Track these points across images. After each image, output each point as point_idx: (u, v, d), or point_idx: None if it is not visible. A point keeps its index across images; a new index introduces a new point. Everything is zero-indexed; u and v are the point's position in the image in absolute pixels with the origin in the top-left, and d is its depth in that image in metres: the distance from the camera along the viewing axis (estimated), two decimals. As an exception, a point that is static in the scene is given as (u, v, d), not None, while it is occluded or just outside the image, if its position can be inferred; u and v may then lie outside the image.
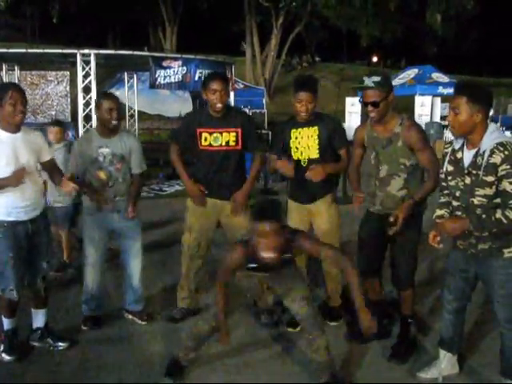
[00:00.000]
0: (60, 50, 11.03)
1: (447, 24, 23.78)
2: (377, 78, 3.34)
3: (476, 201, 2.85)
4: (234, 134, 3.92)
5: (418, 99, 17.16)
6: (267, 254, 2.81)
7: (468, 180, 2.88)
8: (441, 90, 16.98)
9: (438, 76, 17.83)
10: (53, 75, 13.16)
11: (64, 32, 32.78)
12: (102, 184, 3.90)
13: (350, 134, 3.94)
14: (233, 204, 3.99)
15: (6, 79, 12.07)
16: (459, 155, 2.95)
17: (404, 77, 18.28)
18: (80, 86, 9.33)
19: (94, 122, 9.01)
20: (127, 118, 13.63)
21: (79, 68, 9.35)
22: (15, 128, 3.39)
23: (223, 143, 3.93)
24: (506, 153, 2.71)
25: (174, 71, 10.20)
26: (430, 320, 4.13)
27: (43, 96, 13.08)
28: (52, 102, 13.22)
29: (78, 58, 9.34)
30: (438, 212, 3.10)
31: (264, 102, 20.03)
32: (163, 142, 15.28)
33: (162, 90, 14.31)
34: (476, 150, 2.85)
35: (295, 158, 3.91)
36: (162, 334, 3.96)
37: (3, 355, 3.54)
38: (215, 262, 4.31)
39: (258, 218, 2.81)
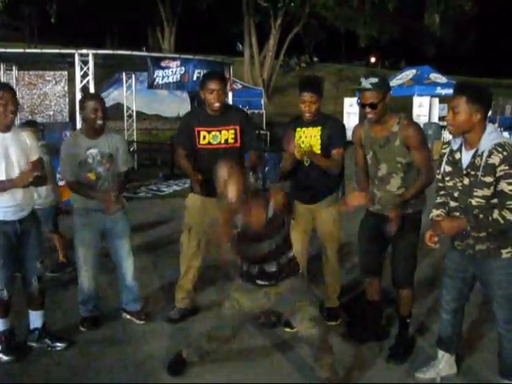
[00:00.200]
0: (58, 50, 10.99)
1: (445, 25, 23.81)
2: (374, 80, 3.35)
3: (474, 201, 2.85)
4: (232, 131, 3.93)
5: (416, 100, 17.18)
6: None
7: (466, 181, 2.88)
8: (439, 90, 17.01)
9: (436, 77, 17.86)
10: (51, 75, 13.14)
11: (62, 32, 32.72)
12: (91, 185, 3.88)
13: (348, 134, 3.94)
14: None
15: (3, 79, 12.04)
16: (457, 156, 2.95)
17: (402, 77, 18.32)
18: (78, 86, 9.30)
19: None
20: (125, 118, 13.60)
21: (77, 68, 9.32)
22: (5, 128, 3.40)
23: (222, 141, 3.94)
24: (505, 153, 2.72)
25: (172, 71, 10.19)
26: (428, 320, 4.14)
27: (41, 96, 13.05)
28: (50, 102, 13.19)
29: (76, 58, 9.31)
30: (434, 212, 3.10)
31: (262, 102, 20.04)
32: (161, 142, 15.29)
33: (160, 90, 14.28)
34: (474, 150, 2.85)
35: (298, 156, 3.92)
36: (160, 334, 3.96)
37: (1, 355, 3.53)
38: (214, 261, 4.32)
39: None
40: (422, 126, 15.65)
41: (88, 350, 3.70)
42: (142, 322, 4.12)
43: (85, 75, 9.29)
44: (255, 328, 4.01)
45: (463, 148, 2.93)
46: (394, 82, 17.71)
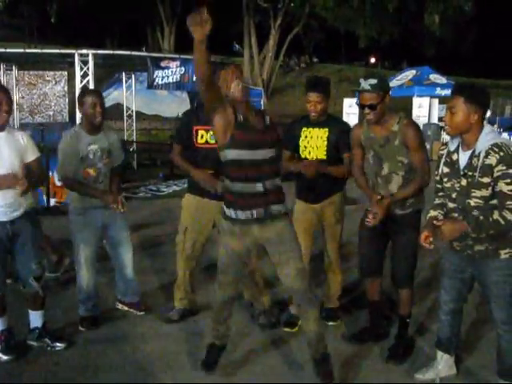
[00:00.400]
0: (58, 50, 11.03)
1: (445, 25, 23.83)
2: (373, 81, 3.35)
3: (472, 202, 2.86)
4: None
5: (416, 100, 17.19)
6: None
7: (464, 182, 2.88)
8: (438, 91, 17.03)
9: (435, 77, 17.88)
10: (51, 75, 13.15)
11: (62, 32, 32.73)
12: (91, 181, 3.91)
13: (348, 135, 3.94)
14: None
15: (3, 79, 12.06)
16: (455, 157, 2.95)
17: (402, 78, 18.33)
18: (78, 86, 9.32)
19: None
20: (125, 118, 13.61)
21: (77, 68, 9.35)
22: None
23: None
24: (502, 154, 2.72)
25: (172, 71, 10.21)
26: (428, 321, 4.14)
27: (41, 96, 13.07)
28: (50, 102, 13.20)
29: (76, 58, 9.33)
30: (432, 213, 3.09)
31: (262, 102, 20.03)
32: (161, 142, 15.30)
33: (159, 91, 14.31)
34: (471, 151, 2.86)
35: (303, 156, 3.94)
36: (159, 334, 3.96)
37: (0, 355, 3.53)
38: (212, 261, 4.32)
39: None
40: (421, 126, 15.68)
41: (87, 350, 3.70)
42: (141, 313, 4.19)
43: (85, 75, 9.31)
44: (255, 328, 4.02)
45: (460, 149, 2.93)
46: (393, 83, 17.74)
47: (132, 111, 13.56)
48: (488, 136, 2.81)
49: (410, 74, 18.43)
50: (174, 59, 10.44)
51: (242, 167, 2.96)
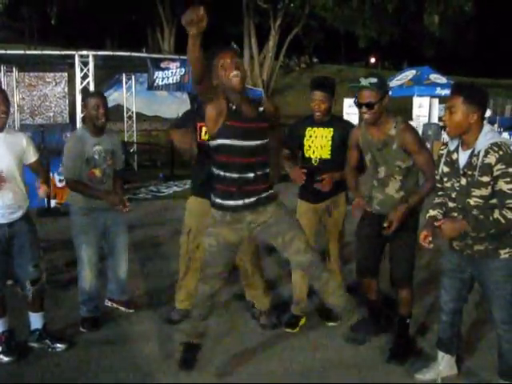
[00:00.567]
0: (58, 52, 11.04)
1: (445, 25, 23.81)
2: (373, 80, 3.36)
3: (472, 202, 2.86)
4: None
5: (416, 100, 17.19)
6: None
7: (464, 181, 2.89)
8: (438, 91, 17.01)
9: (435, 77, 17.86)
10: (51, 76, 13.16)
11: (62, 33, 32.76)
12: (96, 182, 3.94)
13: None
14: None
15: (4, 81, 12.07)
16: (454, 156, 2.96)
17: (402, 78, 18.31)
18: (78, 87, 9.33)
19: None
20: (125, 119, 13.61)
21: (77, 69, 9.35)
22: None
23: None
24: (501, 153, 2.73)
25: (172, 72, 10.21)
26: (428, 321, 4.14)
27: (41, 97, 13.09)
28: (50, 103, 13.22)
29: (76, 59, 9.34)
30: (431, 212, 3.10)
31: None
32: (161, 143, 15.30)
33: (160, 92, 14.28)
34: (471, 150, 2.86)
35: (307, 155, 3.95)
36: (160, 335, 3.96)
37: (1, 356, 3.53)
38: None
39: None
40: (421, 126, 15.72)
41: (88, 351, 3.70)
42: (131, 310, 4.29)
43: (85, 76, 9.32)
44: (255, 329, 4.02)
45: (460, 148, 2.94)
46: (393, 83, 17.74)
47: (132, 112, 13.56)
48: (487, 135, 2.82)
49: (409, 73, 18.42)
50: (174, 60, 10.44)
51: (233, 156, 3.00)
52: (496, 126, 15.08)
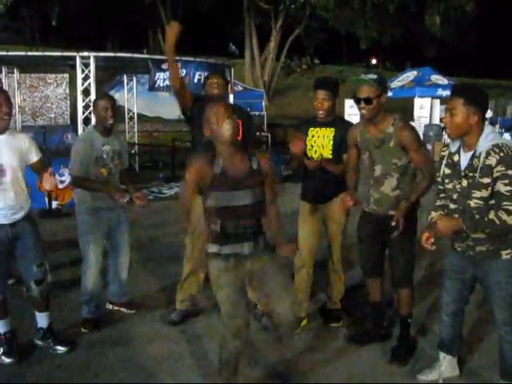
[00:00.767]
0: (59, 53, 11.03)
1: (446, 26, 23.80)
2: (374, 76, 3.39)
3: (473, 203, 2.86)
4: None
5: (417, 101, 17.16)
6: None
7: (465, 183, 2.89)
8: (440, 92, 16.98)
9: (437, 78, 17.84)
10: (52, 78, 13.15)
11: (63, 35, 32.82)
12: (103, 181, 4.00)
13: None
14: None
15: (5, 82, 12.08)
16: (456, 158, 2.96)
17: (403, 79, 18.29)
18: (79, 88, 9.32)
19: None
20: (126, 120, 13.61)
21: (78, 70, 9.34)
22: (0, 130, 3.38)
23: None
24: (502, 154, 2.73)
25: (173, 73, 10.20)
26: (430, 322, 4.14)
27: (42, 99, 13.07)
28: (51, 104, 13.21)
29: (78, 60, 9.33)
30: (433, 214, 3.11)
31: (263, 104, 20.04)
32: (163, 144, 15.30)
33: (161, 93, 14.26)
34: (472, 152, 2.86)
35: (309, 155, 3.98)
36: (161, 335, 3.96)
37: (3, 358, 3.54)
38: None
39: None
40: (423, 127, 15.69)
41: (89, 352, 3.71)
42: (133, 311, 4.32)
43: (86, 78, 9.31)
44: (257, 330, 4.02)
45: (461, 150, 2.94)
46: (394, 84, 17.71)
47: (133, 113, 13.56)
48: (489, 137, 2.81)
49: (411, 74, 18.40)
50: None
51: (225, 213, 2.90)
52: (497, 126, 15.04)
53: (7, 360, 3.53)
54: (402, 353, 3.58)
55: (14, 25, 33.35)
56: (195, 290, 4.17)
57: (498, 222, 2.72)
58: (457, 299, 3.17)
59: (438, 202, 3.14)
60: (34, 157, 3.58)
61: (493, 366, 3.26)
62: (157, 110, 19.07)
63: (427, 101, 17.08)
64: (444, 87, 16.86)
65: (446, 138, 14.50)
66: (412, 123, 4.62)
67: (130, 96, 13.32)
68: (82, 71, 9.30)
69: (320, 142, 3.93)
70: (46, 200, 7.99)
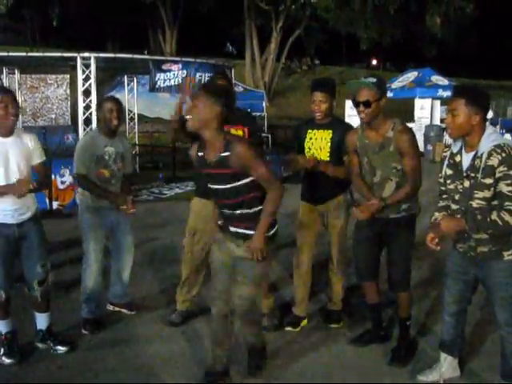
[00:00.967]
0: (60, 54, 11.02)
1: (447, 27, 23.81)
2: (373, 79, 3.38)
3: (475, 204, 2.86)
4: (240, 131, 3.92)
5: (418, 102, 17.18)
6: None
7: (467, 183, 2.88)
8: (440, 92, 17.00)
9: (437, 79, 17.85)
10: (53, 78, 13.18)
11: (64, 35, 32.84)
12: (104, 181, 4.03)
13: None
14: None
15: (6, 82, 12.08)
16: (458, 158, 2.95)
17: (403, 80, 18.31)
18: (80, 89, 9.32)
19: (93, 125, 9.01)
20: (127, 121, 13.62)
21: (79, 71, 9.34)
22: (7, 131, 3.40)
23: None
24: (504, 155, 2.73)
25: (173, 74, 10.20)
26: (430, 322, 4.13)
27: (43, 99, 13.09)
28: (52, 105, 13.23)
29: (78, 61, 9.33)
30: (437, 215, 3.11)
31: (264, 105, 20.05)
32: (163, 145, 15.30)
33: (161, 94, 14.29)
34: (474, 152, 2.86)
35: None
36: (161, 336, 3.96)
37: (3, 358, 3.53)
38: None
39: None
40: (423, 128, 15.70)
41: (90, 353, 3.70)
42: (133, 312, 4.32)
43: (87, 78, 9.31)
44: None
45: (463, 150, 2.94)
46: (395, 85, 17.74)
47: (134, 114, 13.56)
48: (490, 137, 2.81)
49: (411, 75, 18.42)
50: (175, 62, 10.44)
51: (212, 193, 3.15)
52: (498, 127, 15.05)
53: (7, 361, 3.53)
54: (401, 354, 3.57)
55: (15, 25, 33.39)
56: (195, 290, 4.17)
57: (500, 223, 2.72)
58: (459, 300, 3.17)
59: (441, 203, 3.14)
60: (36, 159, 3.59)
61: (494, 367, 3.25)
62: (157, 110, 19.08)
63: (428, 101, 17.10)
64: (444, 88, 16.87)
65: (446, 138, 14.50)
66: (413, 124, 4.61)
67: (131, 97, 13.33)
68: (83, 72, 9.31)
69: (318, 144, 3.90)
70: (47, 200, 7.99)
